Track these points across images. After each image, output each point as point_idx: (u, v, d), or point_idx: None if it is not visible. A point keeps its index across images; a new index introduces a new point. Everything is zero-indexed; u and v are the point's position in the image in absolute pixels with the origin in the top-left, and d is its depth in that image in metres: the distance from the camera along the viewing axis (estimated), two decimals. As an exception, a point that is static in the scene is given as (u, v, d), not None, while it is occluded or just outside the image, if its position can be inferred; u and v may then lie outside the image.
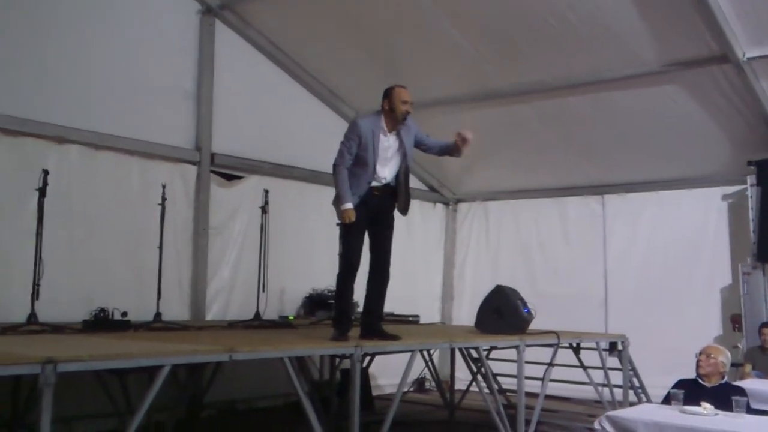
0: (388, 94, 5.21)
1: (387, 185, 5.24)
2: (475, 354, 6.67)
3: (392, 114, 5.15)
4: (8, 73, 6.03)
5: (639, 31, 6.54)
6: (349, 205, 5.04)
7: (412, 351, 5.39)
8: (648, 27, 6.46)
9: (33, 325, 5.15)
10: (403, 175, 5.28)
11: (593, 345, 6.81)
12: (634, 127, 7.73)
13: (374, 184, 5.18)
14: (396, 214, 5.37)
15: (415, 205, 9.70)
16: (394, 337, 5.27)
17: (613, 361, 7.00)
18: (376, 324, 5.34)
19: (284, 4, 7.33)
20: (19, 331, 4.95)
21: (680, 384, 4.84)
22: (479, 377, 6.54)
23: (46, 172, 5.40)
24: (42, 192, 5.38)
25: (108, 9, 6.76)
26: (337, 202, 5.18)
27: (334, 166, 5.15)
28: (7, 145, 6.00)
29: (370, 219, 5.21)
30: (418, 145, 5.43)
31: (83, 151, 6.48)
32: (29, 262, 5.41)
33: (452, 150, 5.43)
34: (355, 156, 5.11)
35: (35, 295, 5.26)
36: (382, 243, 5.29)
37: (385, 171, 5.21)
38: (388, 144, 5.18)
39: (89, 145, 6.51)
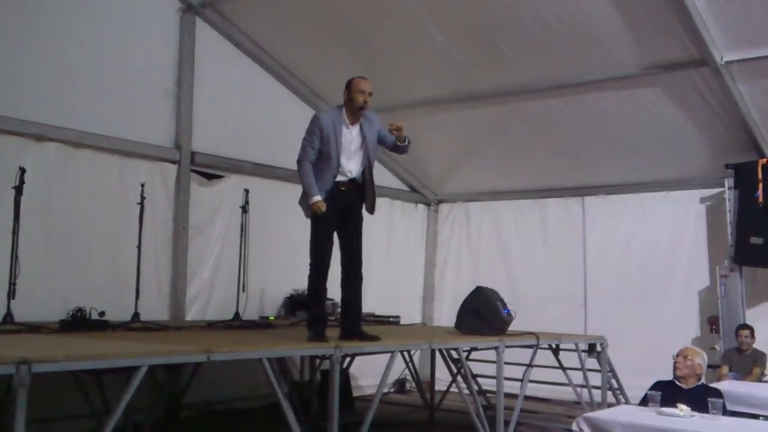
0: (348, 85, 5.16)
1: (353, 181, 5.17)
2: (455, 355, 6.68)
3: (351, 105, 5.10)
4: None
5: (619, 35, 6.58)
6: (317, 198, 4.98)
7: (392, 352, 5.38)
8: (628, 30, 6.51)
9: (8, 325, 5.10)
10: (368, 170, 5.20)
11: (572, 346, 6.84)
12: (615, 129, 7.78)
13: (340, 178, 5.10)
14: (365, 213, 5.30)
15: (396, 205, 9.83)
16: (373, 338, 5.24)
17: (592, 363, 7.04)
18: (355, 325, 5.30)
19: (266, 3, 7.29)
20: (-6, 331, 4.89)
21: (657, 385, 4.87)
22: (459, 378, 6.55)
23: (23, 170, 5.35)
24: (18, 190, 5.33)
25: (88, 6, 6.69)
26: (304, 198, 5.11)
27: (298, 162, 5.10)
28: (-17, 143, 5.93)
29: (339, 216, 5.14)
30: (381, 141, 5.34)
31: (61, 149, 6.40)
32: (5, 260, 5.34)
33: (397, 145, 5.33)
34: (319, 151, 5.05)
35: (11, 294, 5.20)
36: (352, 241, 5.21)
37: (350, 165, 5.13)
38: (351, 137, 5.12)
39: (68, 143, 6.44)
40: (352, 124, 5.13)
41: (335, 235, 5.19)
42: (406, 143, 5.31)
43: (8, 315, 5.19)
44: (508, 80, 7.55)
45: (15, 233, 5.29)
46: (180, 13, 7.45)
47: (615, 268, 8.60)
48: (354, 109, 5.10)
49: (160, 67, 7.30)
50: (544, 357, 6.69)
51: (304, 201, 5.11)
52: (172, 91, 7.40)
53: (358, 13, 7.19)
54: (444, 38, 7.12)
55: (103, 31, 6.76)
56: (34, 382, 3.27)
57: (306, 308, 5.65)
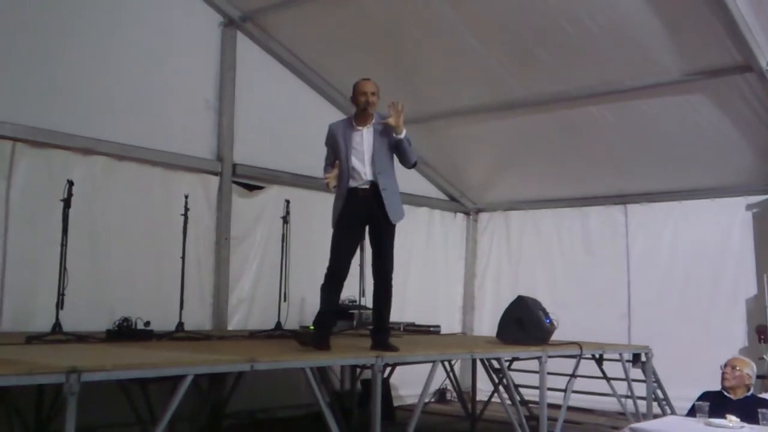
0: (353, 89, 5.14)
1: (372, 184, 5.02)
2: (496, 365, 6.63)
3: (357, 108, 5.07)
4: (35, 87, 6.13)
5: (660, 40, 6.50)
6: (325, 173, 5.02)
7: (433, 362, 5.37)
8: (669, 36, 6.42)
9: (57, 335, 5.20)
10: (381, 174, 5.01)
11: (616, 356, 6.74)
12: (657, 136, 7.68)
13: (356, 183, 5.01)
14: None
15: (435, 215, 9.82)
16: (393, 349, 5.09)
17: (636, 373, 6.92)
18: (377, 336, 5.20)
19: (305, 16, 7.38)
20: (43, 341, 5.00)
21: (705, 396, 4.78)
22: (501, 388, 6.50)
23: (71, 183, 5.46)
24: (67, 203, 5.43)
25: (132, 22, 6.85)
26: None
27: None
28: (34, 157, 6.09)
29: (364, 223, 5.08)
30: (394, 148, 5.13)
31: (107, 162, 6.56)
32: (54, 271, 5.46)
33: (396, 143, 5.04)
34: (334, 160, 5.09)
35: (60, 304, 5.30)
36: (379, 250, 5.08)
37: (366, 168, 5.01)
38: (360, 138, 5.04)
39: (113, 156, 6.59)
40: (361, 126, 5.07)
41: (358, 242, 5.16)
42: (402, 137, 4.99)
43: (57, 325, 5.29)
44: (547, 87, 7.50)
45: (63, 245, 5.40)
46: (221, 27, 7.59)
47: (659, 276, 8.46)
48: (360, 111, 5.06)
49: (202, 80, 7.44)
50: (588, 367, 6.62)
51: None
52: (213, 104, 7.52)
53: (394, 23, 7.23)
54: (481, 46, 7.12)
55: (146, 47, 6.92)
56: (81, 390, 3.34)
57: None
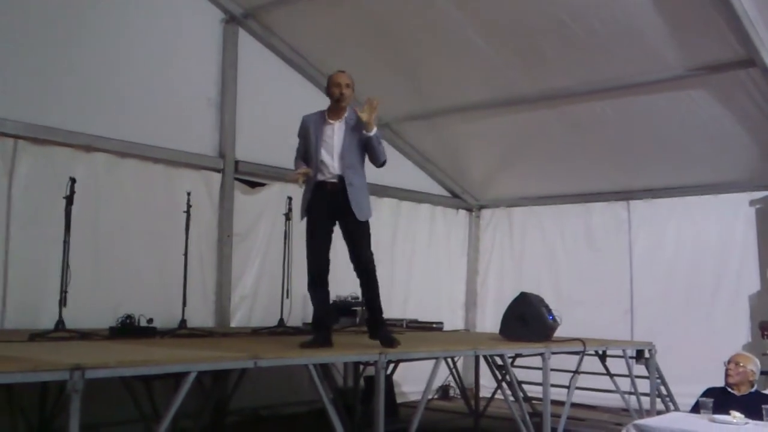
0: (327, 80, 5.07)
1: (340, 178, 4.93)
2: (499, 361, 6.63)
3: (331, 100, 5.00)
4: (37, 84, 6.13)
5: (663, 36, 6.48)
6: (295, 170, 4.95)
7: (436, 358, 5.36)
8: (672, 31, 6.41)
9: (61, 332, 5.19)
10: (348, 168, 4.92)
11: (620, 353, 6.73)
12: (660, 131, 7.66)
13: (322, 177, 4.92)
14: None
15: (437, 211, 9.81)
16: (390, 344, 4.99)
17: (640, 369, 6.91)
18: (375, 328, 5.15)
19: (307, 13, 7.37)
20: (47, 338, 5.00)
21: (709, 392, 4.78)
22: (504, 385, 6.49)
23: (73, 180, 5.45)
24: (69, 200, 5.42)
25: (133, 19, 6.85)
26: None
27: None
28: (36, 154, 6.09)
29: (335, 218, 4.98)
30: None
31: (109, 159, 6.56)
32: (57, 269, 5.45)
33: (366, 140, 4.92)
34: (305, 152, 5.03)
35: (63, 302, 5.30)
36: (356, 246, 5.00)
37: (334, 162, 4.92)
38: (331, 131, 4.96)
39: (115, 153, 6.59)
40: (334, 119, 4.98)
41: (330, 234, 5.02)
42: (372, 135, 4.87)
43: (60, 322, 5.28)
44: (551, 83, 7.49)
45: (66, 242, 5.40)
46: (223, 24, 7.58)
47: (662, 272, 8.45)
48: (333, 104, 4.98)
49: (204, 77, 7.43)
50: (591, 363, 6.61)
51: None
52: (215, 101, 7.52)
53: (398, 21, 7.21)
54: (484, 42, 7.10)
55: (148, 44, 6.91)
56: (85, 387, 3.34)
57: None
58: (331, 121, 5.00)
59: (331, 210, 4.97)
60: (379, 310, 5.17)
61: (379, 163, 5.08)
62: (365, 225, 5.03)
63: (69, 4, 6.41)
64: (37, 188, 6.03)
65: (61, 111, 6.23)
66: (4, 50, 5.96)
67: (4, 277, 5.83)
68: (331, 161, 4.94)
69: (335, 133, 4.97)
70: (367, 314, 5.26)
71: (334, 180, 4.95)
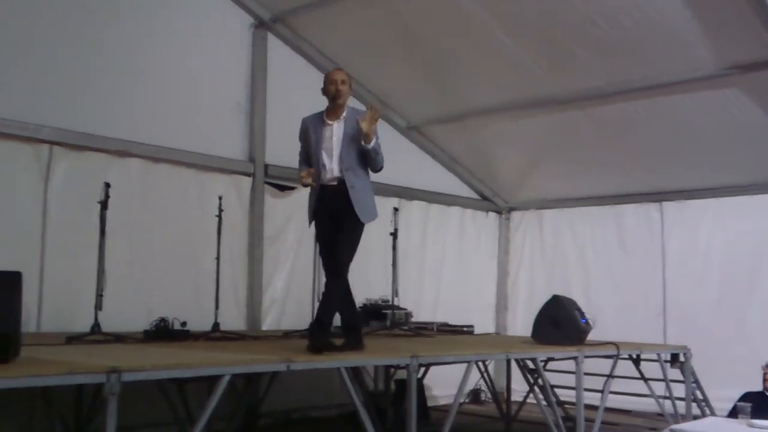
0: (324, 79, 4.96)
1: (340, 181, 4.80)
2: (531, 365, 6.58)
3: (328, 99, 4.87)
4: (71, 91, 6.23)
5: (696, 34, 6.39)
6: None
7: (468, 362, 5.34)
8: (705, 30, 6.31)
9: (96, 335, 5.26)
10: (348, 170, 4.79)
11: (654, 356, 6.65)
12: (693, 132, 7.56)
13: (324, 180, 4.82)
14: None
15: (467, 214, 9.77)
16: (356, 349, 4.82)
17: (674, 373, 6.82)
18: (317, 334, 4.74)
19: (335, 17, 7.40)
20: (83, 341, 5.08)
21: (746, 397, 4.72)
22: (536, 389, 6.44)
23: (108, 185, 5.53)
24: (104, 205, 5.50)
25: (164, 25, 6.93)
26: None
27: None
28: (71, 160, 6.18)
29: (332, 220, 4.86)
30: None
31: (142, 164, 6.64)
32: (91, 273, 5.53)
33: (362, 149, 4.79)
34: (307, 155, 4.95)
35: (98, 305, 5.37)
36: (335, 247, 4.81)
37: (334, 164, 4.80)
38: (330, 133, 4.83)
39: (149, 158, 6.67)
40: (332, 120, 4.85)
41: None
42: (369, 148, 4.72)
43: (96, 325, 5.36)
44: (580, 84, 7.42)
45: (101, 247, 5.47)
46: (252, 29, 7.64)
47: (696, 275, 8.32)
48: (330, 102, 4.86)
49: (234, 82, 7.49)
50: (624, 367, 6.53)
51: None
52: (245, 105, 7.57)
53: (426, 23, 7.20)
54: (512, 43, 7.06)
55: (179, 50, 6.99)
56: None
57: None
58: (329, 122, 4.87)
59: (334, 215, 4.85)
60: (326, 318, 4.82)
61: (376, 170, 4.97)
62: (359, 229, 4.85)
63: (101, 12, 6.50)
64: (72, 193, 6.12)
65: (95, 117, 6.32)
66: (38, 59, 6.06)
67: (40, 281, 5.91)
68: (331, 164, 4.82)
69: (334, 134, 4.84)
70: (315, 322, 4.90)
71: (334, 183, 4.82)
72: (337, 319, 4.95)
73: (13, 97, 5.89)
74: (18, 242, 5.81)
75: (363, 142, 4.74)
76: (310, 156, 4.94)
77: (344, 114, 4.88)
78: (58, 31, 6.20)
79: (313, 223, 4.98)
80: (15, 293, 3.56)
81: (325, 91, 4.90)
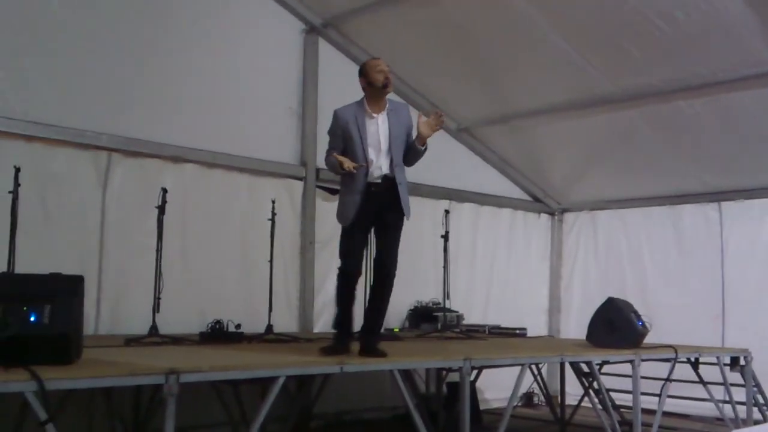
0: (362, 70, 4.74)
1: (386, 178, 4.62)
2: (586, 368, 6.48)
3: (372, 89, 4.64)
4: (129, 99, 6.36)
5: (754, 29, 6.20)
6: (344, 159, 4.51)
7: (522, 365, 5.29)
8: (762, 24, 6.12)
9: (154, 337, 5.38)
10: (392, 169, 4.63)
11: (713, 359, 6.49)
12: (752, 129, 7.33)
13: (371, 177, 4.58)
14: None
15: (518, 215, 9.68)
16: (378, 355, 4.66)
17: (734, 377, 6.64)
18: (367, 338, 4.77)
19: (385, 21, 7.41)
20: (141, 343, 5.19)
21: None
22: (591, 392, 6.35)
23: (164, 191, 5.65)
24: (161, 209, 5.63)
25: (218, 34, 7.03)
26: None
27: (326, 160, 4.76)
28: (128, 166, 6.32)
29: (374, 220, 4.66)
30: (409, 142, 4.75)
31: (197, 169, 6.75)
32: (147, 276, 5.66)
33: (412, 146, 4.73)
34: (344, 151, 4.60)
35: (156, 308, 5.49)
36: (384, 250, 4.67)
37: (381, 159, 4.58)
38: (375, 128, 4.61)
39: (202, 164, 6.78)
40: (376, 113, 4.63)
41: (370, 239, 4.78)
42: (424, 149, 4.70)
43: (153, 328, 5.48)
44: (635, 82, 7.27)
45: (159, 251, 5.59)
46: (303, 34, 7.70)
47: (756, 276, 8.06)
48: (376, 93, 4.63)
49: (286, 87, 7.57)
50: (682, 370, 6.39)
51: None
52: (296, 110, 7.64)
53: (476, 24, 7.16)
54: (564, 42, 6.96)
55: (231, 56, 7.09)
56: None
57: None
58: (374, 114, 4.65)
59: (376, 214, 4.64)
60: (382, 323, 4.90)
61: (411, 165, 4.87)
62: (402, 224, 4.74)
63: (155, 20, 6.63)
64: (129, 198, 6.26)
65: (150, 124, 6.45)
66: (96, 68, 6.21)
67: (98, 284, 6.04)
68: (378, 160, 4.60)
69: (380, 127, 4.64)
70: (368, 321, 4.85)
71: (379, 180, 4.62)
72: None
73: (71, 105, 6.05)
74: (78, 247, 5.97)
75: (418, 144, 4.67)
76: (349, 152, 4.63)
77: (387, 106, 4.71)
78: (115, 40, 6.35)
79: (350, 224, 4.67)
80: (77, 296, 3.66)
81: (369, 81, 4.67)
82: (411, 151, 4.75)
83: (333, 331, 4.97)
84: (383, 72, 4.64)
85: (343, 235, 4.74)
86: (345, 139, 4.66)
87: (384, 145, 4.61)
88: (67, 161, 6.03)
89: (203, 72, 6.89)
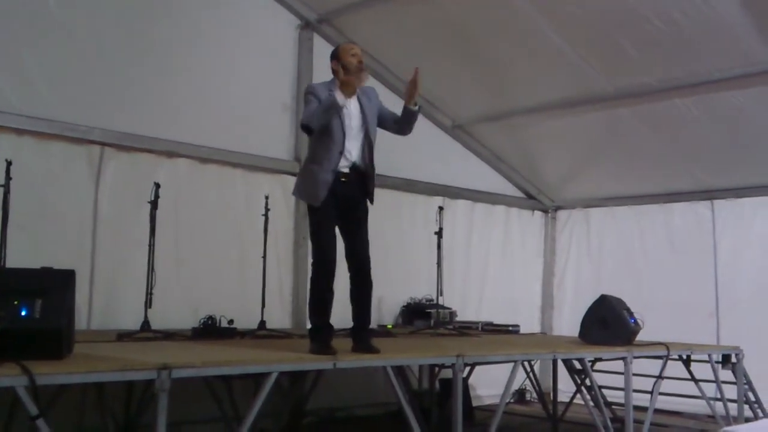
0: (334, 54, 4.59)
1: (354, 167, 4.51)
2: (578, 365, 6.50)
3: (346, 73, 4.46)
4: (121, 93, 6.34)
5: (749, 28, 6.21)
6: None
7: (515, 361, 5.29)
8: (758, 23, 6.14)
9: (146, 332, 5.36)
10: (368, 153, 4.54)
11: (705, 357, 6.51)
12: (746, 128, 7.36)
13: (342, 165, 4.45)
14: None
15: (512, 213, 9.69)
16: (375, 351, 4.56)
17: (726, 374, 6.67)
18: (361, 335, 4.64)
19: (381, 17, 7.39)
20: (133, 338, 5.17)
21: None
22: (583, 389, 6.36)
23: (157, 185, 5.63)
24: (154, 204, 5.60)
25: (210, 27, 7.00)
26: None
27: (302, 123, 4.47)
28: (121, 161, 6.29)
29: (340, 209, 4.50)
30: (383, 122, 4.67)
31: (191, 164, 6.73)
32: (141, 271, 5.64)
33: (406, 109, 4.62)
34: (318, 132, 4.41)
35: (148, 303, 5.47)
36: (358, 237, 4.56)
37: (350, 145, 4.46)
38: (347, 111, 4.45)
39: (196, 159, 6.75)
40: (348, 97, 4.41)
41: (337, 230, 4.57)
42: (417, 108, 4.60)
43: (146, 323, 5.46)
44: (630, 80, 7.28)
45: (151, 245, 5.57)
46: (298, 30, 7.67)
47: (749, 274, 8.10)
48: (350, 77, 4.43)
49: (280, 82, 7.54)
50: (674, 368, 6.41)
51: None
52: (290, 105, 7.62)
53: (472, 21, 7.15)
54: (561, 40, 6.96)
55: (225, 51, 7.06)
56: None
57: (310, 315, 4.72)
58: (346, 99, 4.42)
59: (343, 198, 4.51)
60: (370, 317, 4.75)
61: (407, 133, 4.78)
62: (367, 214, 4.64)
63: (149, 14, 6.59)
64: (122, 193, 6.23)
65: (144, 118, 6.43)
66: (89, 62, 6.18)
67: (90, 279, 6.02)
68: (349, 145, 4.48)
69: (352, 113, 4.51)
70: (358, 318, 4.66)
71: (348, 170, 4.50)
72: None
73: (64, 99, 6.02)
74: (70, 241, 5.95)
75: (410, 106, 4.59)
76: (321, 131, 4.43)
77: (358, 91, 4.54)
78: (108, 34, 6.32)
79: (322, 205, 4.47)
80: (69, 291, 3.65)
81: (342, 65, 4.51)
82: (404, 117, 4.67)
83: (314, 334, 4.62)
84: (356, 56, 4.54)
85: (315, 220, 4.53)
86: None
87: (355, 131, 4.50)
88: (59, 155, 6.00)
89: (197, 67, 6.86)
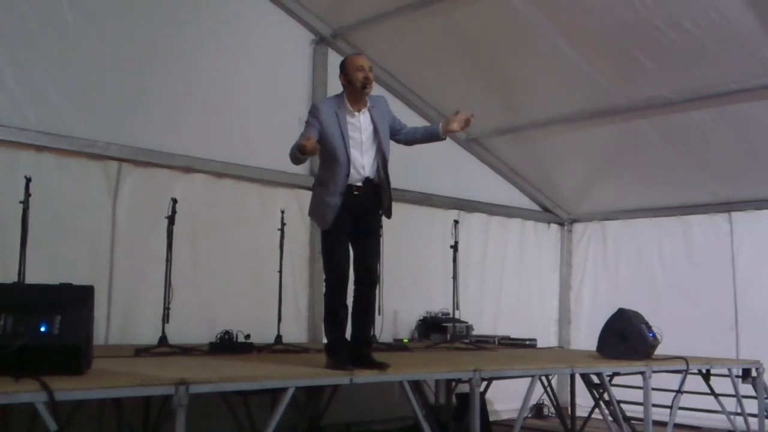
0: (342, 67, 4.51)
1: (368, 181, 4.44)
2: (596, 380, 6.44)
3: (351, 87, 4.42)
4: (139, 109, 6.40)
5: (763, 39, 6.18)
6: (304, 139, 4.19)
7: (532, 376, 5.26)
8: (775, 34, 6.12)
9: (164, 347, 5.37)
10: (382, 166, 4.46)
11: (725, 371, 6.44)
12: (763, 140, 7.30)
13: (353, 180, 4.37)
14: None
15: (528, 226, 9.66)
16: (380, 366, 4.44)
17: (746, 389, 6.59)
18: (364, 350, 4.54)
19: (395, 31, 7.42)
20: (151, 353, 5.18)
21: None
22: (602, 404, 6.30)
23: (174, 201, 5.66)
24: (171, 219, 5.63)
25: (228, 45, 7.05)
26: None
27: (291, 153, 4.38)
28: (138, 176, 6.34)
29: (354, 224, 4.44)
30: (394, 134, 4.62)
31: (207, 179, 6.77)
32: (157, 286, 5.66)
33: (438, 134, 4.68)
34: (323, 148, 4.33)
35: (166, 318, 5.49)
36: (369, 250, 4.50)
37: (363, 160, 4.38)
38: (358, 124, 4.40)
39: (212, 174, 6.80)
40: (358, 110, 4.42)
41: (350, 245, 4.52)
42: (445, 138, 4.71)
43: (163, 338, 5.47)
44: (645, 93, 7.25)
45: (168, 260, 5.59)
46: (313, 45, 7.73)
47: (768, 287, 8.04)
48: (356, 92, 4.41)
49: (295, 97, 7.56)
50: (694, 382, 6.34)
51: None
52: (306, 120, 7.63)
53: (486, 34, 7.17)
54: (575, 52, 6.96)
55: (241, 67, 7.12)
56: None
57: (325, 331, 4.64)
58: (355, 113, 4.43)
59: (357, 213, 4.45)
60: (370, 333, 4.74)
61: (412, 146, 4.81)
62: (380, 228, 4.66)
63: (165, 30, 6.65)
64: (139, 208, 6.27)
65: (161, 134, 6.48)
66: (107, 79, 6.24)
67: (108, 294, 6.06)
68: (362, 160, 4.39)
69: (362, 126, 4.44)
70: (362, 332, 4.58)
71: (360, 184, 4.42)
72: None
73: (82, 115, 6.08)
74: (88, 257, 5.99)
75: (443, 135, 4.68)
76: (325, 148, 4.38)
77: (369, 103, 4.51)
78: (126, 52, 6.38)
79: (332, 227, 4.43)
80: (87, 306, 3.67)
81: (348, 79, 4.44)
82: (428, 138, 4.74)
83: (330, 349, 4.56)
84: (363, 70, 4.43)
85: (326, 240, 4.50)
86: (323, 133, 4.39)
87: (367, 145, 4.44)
88: (77, 172, 6.06)
89: (213, 82, 6.91)
